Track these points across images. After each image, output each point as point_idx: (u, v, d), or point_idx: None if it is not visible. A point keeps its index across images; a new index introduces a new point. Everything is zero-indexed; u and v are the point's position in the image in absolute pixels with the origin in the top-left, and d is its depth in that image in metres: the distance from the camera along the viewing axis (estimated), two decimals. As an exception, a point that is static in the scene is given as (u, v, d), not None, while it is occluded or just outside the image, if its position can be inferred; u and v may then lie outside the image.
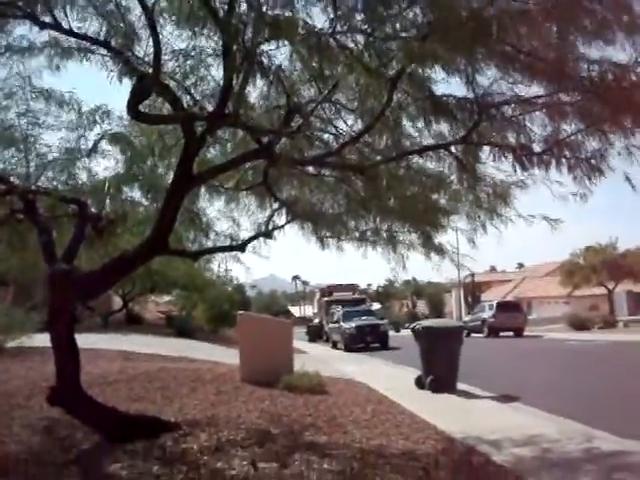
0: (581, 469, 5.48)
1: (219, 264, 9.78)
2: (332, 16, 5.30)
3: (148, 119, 6.32)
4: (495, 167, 6.97)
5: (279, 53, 5.80)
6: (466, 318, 41.16)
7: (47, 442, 6.17)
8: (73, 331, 6.29)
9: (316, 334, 42.05)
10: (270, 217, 8.76)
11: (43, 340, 8.50)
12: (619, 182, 6.33)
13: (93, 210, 8.15)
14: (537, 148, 6.55)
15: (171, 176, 6.86)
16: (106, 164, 8.02)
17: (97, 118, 6.91)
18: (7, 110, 7.35)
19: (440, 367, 11.16)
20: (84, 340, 7.62)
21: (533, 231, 7.29)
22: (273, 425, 7.12)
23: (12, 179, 7.77)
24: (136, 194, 8.36)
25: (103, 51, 5.78)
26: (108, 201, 8.24)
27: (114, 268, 6.63)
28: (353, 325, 29.33)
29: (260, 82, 6.16)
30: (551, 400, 9.41)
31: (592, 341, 25.11)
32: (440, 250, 8.13)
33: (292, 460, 5.48)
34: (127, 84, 5.81)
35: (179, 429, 6.50)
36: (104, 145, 7.62)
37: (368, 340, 28.84)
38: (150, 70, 5.50)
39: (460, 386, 11.25)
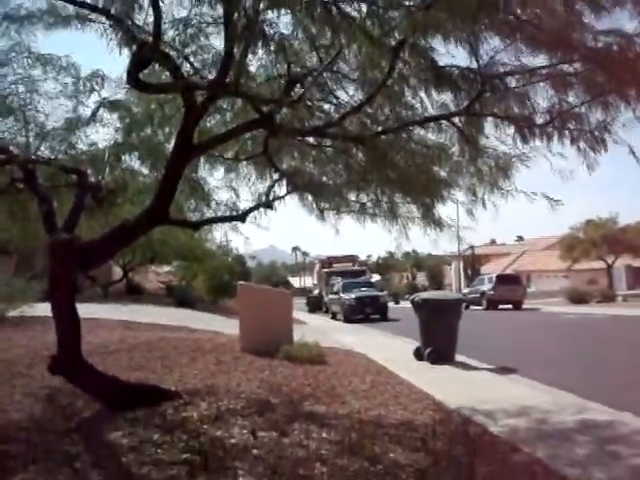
0: (575, 440, 5.53)
1: (220, 235, 9.77)
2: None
3: (148, 88, 6.25)
4: (497, 139, 6.95)
5: (280, 21, 5.74)
6: (465, 290, 41.36)
7: (48, 410, 6.22)
8: (74, 301, 6.30)
9: (316, 305, 42.26)
10: (270, 188, 8.72)
11: (44, 309, 8.52)
12: (621, 156, 6.30)
13: (93, 180, 8.12)
14: (540, 120, 6.50)
15: (171, 145, 6.82)
16: (105, 132, 7.97)
17: (95, 85, 6.84)
18: (5, 78, 7.27)
19: (439, 339, 11.22)
20: (85, 310, 7.65)
21: (533, 205, 7.29)
22: (273, 395, 7.17)
23: (11, 148, 7.72)
24: (136, 163, 8.33)
25: (102, 19, 5.70)
26: (108, 170, 8.20)
27: (115, 238, 6.61)
28: (353, 296, 29.47)
29: (261, 51, 6.11)
30: (548, 372, 9.48)
31: (590, 315, 25.22)
32: (439, 223, 8.12)
33: (291, 429, 5.53)
34: (125, 53, 5.75)
35: (179, 398, 6.55)
36: (103, 114, 7.55)
37: (367, 311, 29.01)
38: (150, 39, 5.43)
39: (458, 358, 11.33)
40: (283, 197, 8.85)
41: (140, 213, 6.73)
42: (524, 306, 33.89)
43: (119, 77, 6.61)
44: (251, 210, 8.68)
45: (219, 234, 9.75)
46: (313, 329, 19.30)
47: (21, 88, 7.36)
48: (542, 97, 6.42)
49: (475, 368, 10.60)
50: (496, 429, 5.93)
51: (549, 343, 15.14)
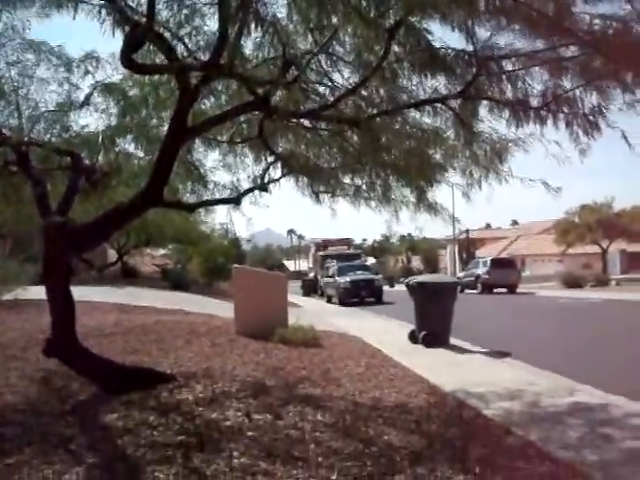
0: (568, 423, 5.57)
1: (216, 217, 9.78)
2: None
3: (142, 69, 6.19)
4: (492, 125, 6.94)
5: (275, 2, 5.69)
6: (460, 274, 41.43)
7: (44, 393, 6.23)
8: (69, 283, 6.29)
9: (311, 288, 42.32)
10: (265, 170, 8.70)
11: (38, 292, 8.51)
12: (617, 140, 6.29)
13: (87, 162, 8.08)
14: (535, 103, 6.48)
15: (165, 128, 6.78)
16: (99, 115, 7.92)
17: (89, 67, 6.79)
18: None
19: (433, 322, 11.25)
20: (79, 292, 7.64)
21: (529, 189, 7.28)
22: (267, 377, 7.19)
23: (4, 131, 7.67)
24: (130, 146, 8.29)
25: (95, 1, 5.64)
26: (102, 153, 8.15)
27: (109, 220, 6.58)
28: (348, 279, 29.53)
29: (256, 33, 6.06)
30: (542, 356, 9.53)
31: (584, 299, 25.30)
32: (433, 207, 8.12)
33: (286, 412, 5.55)
34: (118, 36, 5.69)
35: (174, 381, 6.57)
36: (97, 97, 7.51)
37: (362, 295, 29.06)
38: (144, 20, 5.37)
39: (453, 341, 11.37)
40: (278, 180, 8.85)
41: (134, 195, 6.70)
42: (519, 290, 34.00)
43: (111, 54, 6.57)
44: (246, 193, 8.66)
45: (218, 216, 9.75)
46: (308, 312, 19.33)
47: (13, 71, 7.32)
48: (537, 81, 6.41)
49: (469, 351, 10.65)
50: (490, 412, 5.96)
51: (543, 327, 15.20)
